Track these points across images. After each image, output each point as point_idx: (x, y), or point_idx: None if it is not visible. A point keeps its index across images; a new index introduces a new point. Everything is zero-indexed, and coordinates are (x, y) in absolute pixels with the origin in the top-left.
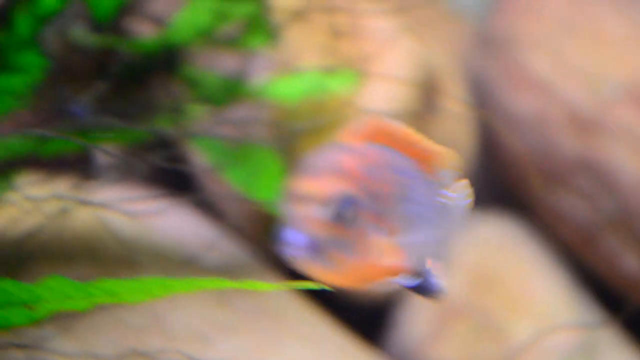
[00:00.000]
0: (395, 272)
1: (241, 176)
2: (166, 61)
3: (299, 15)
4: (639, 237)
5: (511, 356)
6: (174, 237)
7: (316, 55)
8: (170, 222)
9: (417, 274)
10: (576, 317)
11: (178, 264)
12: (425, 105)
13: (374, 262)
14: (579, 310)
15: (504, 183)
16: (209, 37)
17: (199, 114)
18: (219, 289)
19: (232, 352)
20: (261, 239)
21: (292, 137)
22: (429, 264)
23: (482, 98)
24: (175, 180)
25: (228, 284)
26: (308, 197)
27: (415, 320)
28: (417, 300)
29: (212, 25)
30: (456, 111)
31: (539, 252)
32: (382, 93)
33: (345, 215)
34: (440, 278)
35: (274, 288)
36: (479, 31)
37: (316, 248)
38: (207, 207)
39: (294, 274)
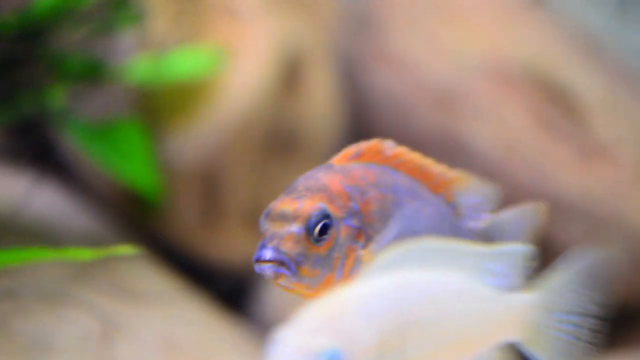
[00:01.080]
0: None
1: (106, 154)
2: (27, 43)
3: None
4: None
5: None
6: (40, 214)
7: (180, 35)
8: (36, 200)
9: None
10: None
11: (41, 239)
12: (290, 83)
13: (351, 277)
14: None
15: None
16: (72, 18)
17: (62, 95)
18: (76, 262)
19: (87, 326)
20: (129, 215)
21: (156, 115)
22: None
23: (350, 75)
24: (42, 160)
25: (49, 254)
26: (284, 215)
27: (278, 289)
28: None
29: (74, 5)
30: (323, 89)
31: None
32: (246, 71)
33: (319, 231)
34: None
35: (92, 255)
36: (347, 8)
37: (288, 264)
38: (75, 185)
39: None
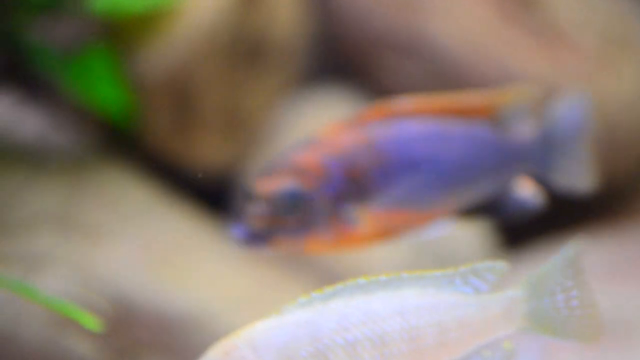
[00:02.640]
0: (385, 234)
1: (76, 83)
2: None
3: None
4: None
5: None
6: (22, 138)
7: None
8: (17, 124)
9: (498, 201)
10: None
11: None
12: None
13: (346, 231)
14: None
15: (343, 56)
16: None
17: (30, 23)
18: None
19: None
20: (108, 132)
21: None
22: (520, 185)
23: None
24: (22, 84)
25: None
26: (253, 194)
27: None
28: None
29: None
30: None
31: None
32: None
33: (285, 208)
34: (529, 194)
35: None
36: None
37: (256, 239)
38: (54, 107)
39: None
